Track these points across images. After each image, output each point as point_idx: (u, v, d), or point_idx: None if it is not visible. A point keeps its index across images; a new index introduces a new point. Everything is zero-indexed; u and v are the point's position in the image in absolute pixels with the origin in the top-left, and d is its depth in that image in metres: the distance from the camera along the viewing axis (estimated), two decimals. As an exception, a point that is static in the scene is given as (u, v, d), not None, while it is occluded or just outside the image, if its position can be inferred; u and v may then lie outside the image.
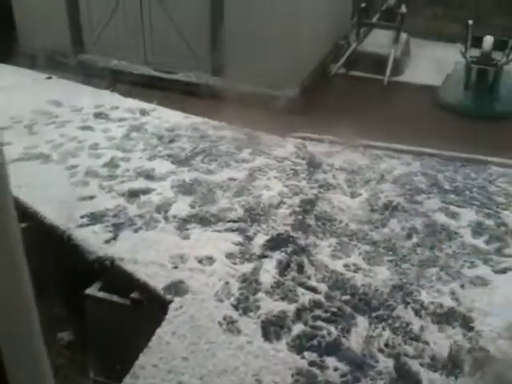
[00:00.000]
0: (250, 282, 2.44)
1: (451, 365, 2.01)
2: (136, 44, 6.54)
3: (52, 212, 2.88)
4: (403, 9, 6.86)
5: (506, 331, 2.15)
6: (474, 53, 6.17)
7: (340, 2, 6.94)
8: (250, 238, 2.77)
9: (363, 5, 6.88)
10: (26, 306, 0.59)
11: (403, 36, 6.93)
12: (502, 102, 5.90)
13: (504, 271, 2.54)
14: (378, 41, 6.85)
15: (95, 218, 2.87)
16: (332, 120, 4.63)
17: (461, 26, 6.93)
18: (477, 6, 7.84)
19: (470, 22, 6.50)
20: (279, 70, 5.37)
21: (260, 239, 2.76)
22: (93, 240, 2.68)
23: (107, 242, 2.68)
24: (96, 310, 2.46)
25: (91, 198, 3.08)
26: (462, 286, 2.43)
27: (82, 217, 2.87)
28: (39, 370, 0.64)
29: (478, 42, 6.18)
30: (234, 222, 2.91)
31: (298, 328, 2.19)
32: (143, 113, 4.35)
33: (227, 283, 2.42)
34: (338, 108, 5.15)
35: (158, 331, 2.12)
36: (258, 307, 2.29)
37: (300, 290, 2.41)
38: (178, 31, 6.23)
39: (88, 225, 2.81)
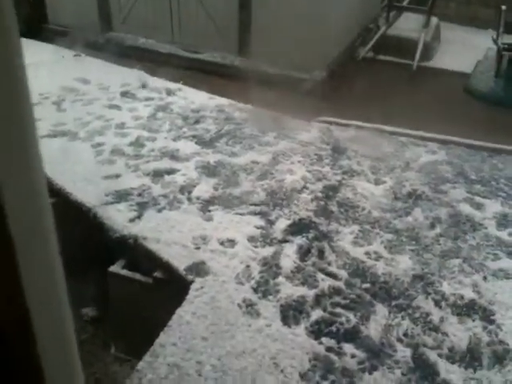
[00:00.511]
0: (270, 266, 2.45)
1: (469, 357, 2.01)
2: (163, 23, 6.53)
3: (78, 189, 2.93)
4: (435, -8, 6.71)
5: (526, 326, 2.14)
6: (507, 39, 6.02)
7: (371, -16, 6.81)
8: (271, 222, 2.78)
9: (394, -13, 6.75)
10: (55, 280, 0.61)
11: (433, 20, 6.79)
12: (533, 91, 5.77)
13: (528, 265, 2.51)
14: (408, 25, 6.72)
15: (120, 196, 2.91)
16: (359, 105, 4.60)
17: (493, 11, 6.77)
18: (512, -9, 7.62)
19: (504, 7, 6.33)
20: (306, 53, 5.32)
21: (282, 224, 2.77)
22: (117, 218, 2.72)
23: (131, 220, 2.71)
24: (119, 288, 2.51)
25: (117, 176, 3.11)
26: (485, 279, 2.41)
27: (107, 195, 2.91)
28: (66, 338, 0.66)
29: (510, 29, 6.02)
30: (257, 205, 2.92)
31: (316, 314, 2.20)
32: (169, 93, 4.36)
33: (248, 266, 2.44)
34: (365, 93, 5.09)
35: (179, 311, 2.15)
36: (278, 291, 2.30)
37: (320, 276, 2.41)
38: (206, 11, 6.20)
39: (113, 203, 2.85)
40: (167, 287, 2.40)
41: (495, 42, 6.01)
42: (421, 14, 6.69)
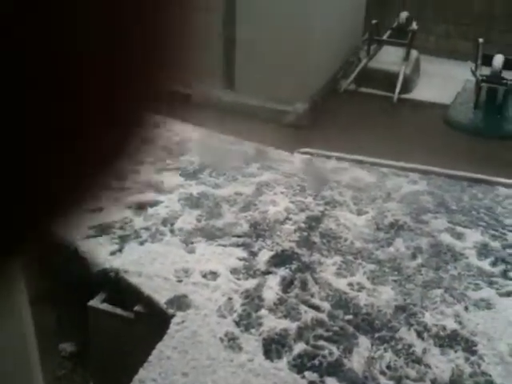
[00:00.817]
0: (252, 298, 2.44)
1: (452, 389, 2.00)
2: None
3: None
4: (414, 26, 6.90)
5: (509, 356, 2.14)
6: (485, 71, 6.17)
7: (351, 18, 6.98)
8: (254, 254, 2.77)
9: (374, 21, 6.92)
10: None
11: (414, 53, 6.96)
12: (511, 122, 5.90)
13: (509, 294, 2.52)
14: (389, 58, 6.87)
15: (102, 229, 2.89)
16: (341, 137, 4.66)
17: (472, 44, 6.95)
18: (488, 25, 7.86)
19: (481, 40, 6.52)
20: (289, 85, 5.40)
21: (264, 255, 2.76)
22: (98, 252, 2.69)
23: (112, 253, 2.70)
24: (99, 322, 2.47)
25: (99, 209, 3.10)
26: (466, 309, 2.42)
27: (89, 228, 2.89)
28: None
29: (488, 61, 6.19)
30: (240, 236, 2.92)
31: (299, 347, 2.18)
32: (154, 125, 4.38)
33: (230, 299, 2.42)
34: (346, 124, 5.17)
35: (159, 345, 2.12)
36: (261, 324, 2.29)
37: (303, 308, 2.41)
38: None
39: (94, 236, 2.83)
40: (148, 321, 2.37)
41: (474, 73, 6.16)
42: (401, 47, 6.86)
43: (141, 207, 3.13)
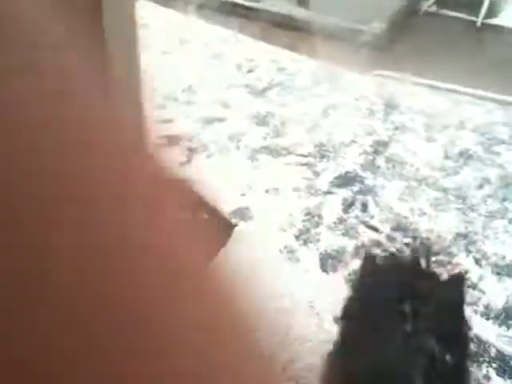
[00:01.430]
0: (313, 216, 2.50)
1: (504, 315, 2.02)
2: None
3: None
4: None
5: None
6: None
7: None
8: (317, 174, 2.81)
9: None
10: None
11: (505, -26, 6.42)
12: None
13: None
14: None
15: (171, 140, 2.99)
16: (417, 60, 4.47)
17: None
18: None
19: None
20: (366, 4, 5.18)
21: (328, 176, 2.79)
22: (167, 163, 2.80)
23: (181, 164, 2.80)
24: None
25: (169, 121, 3.20)
26: (529, 241, 2.39)
27: (159, 138, 3.00)
28: None
29: None
30: (304, 156, 2.95)
31: (355, 263, 2.25)
32: (224, 41, 4.37)
33: (291, 215, 2.50)
34: (424, 48, 4.93)
35: (222, 250, 2.24)
36: (319, 240, 2.36)
37: (362, 229, 2.45)
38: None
39: (163, 146, 2.94)
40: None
41: None
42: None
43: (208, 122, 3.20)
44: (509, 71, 4.58)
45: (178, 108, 3.35)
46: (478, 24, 5.74)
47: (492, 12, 6.00)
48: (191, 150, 2.92)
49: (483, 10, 5.82)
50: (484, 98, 3.67)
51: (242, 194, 2.62)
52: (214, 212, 2.48)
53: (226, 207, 2.48)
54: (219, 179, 2.70)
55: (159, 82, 3.66)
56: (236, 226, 2.37)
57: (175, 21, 4.76)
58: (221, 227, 2.42)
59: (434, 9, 6.04)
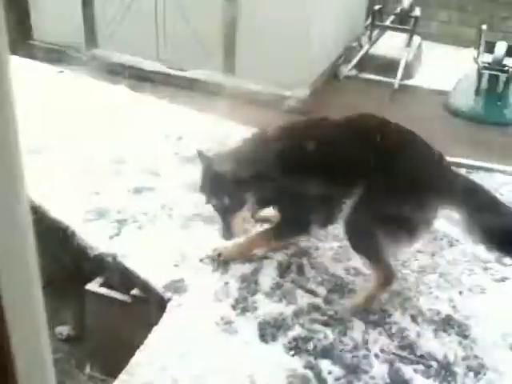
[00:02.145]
0: (249, 283, 2.46)
1: (445, 372, 2.03)
2: (149, 40, 6.58)
3: (56, 206, 2.92)
4: (417, 12, 6.85)
5: (501, 340, 2.16)
6: (487, 58, 6.14)
7: (354, 3, 6.93)
8: (252, 239, 2.78)
9: (377, 7, 6.87)
10: (33, 299, 0.62)
11: (416, 39, 6.91)
12: (511, 109, 5.88)
13: (502, 280, 2.54)
14: (391, 43, 6.84)
15: (100, 213, 2.91)
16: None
17: (474, 31, 6.90)
18: (491, 11, 7.78)
19: (484, 26, 6.46)
20: (290, 70, 5.39)
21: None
22: (97, 236, 2.71)
23: (111, 238, 2.71)
24: (96, 306, 2.50)
25: (97, 193, 3.11)
26: (460, 294, 2.44)
27: (87, 212, 2.91)
28: (42, 358, 0.67)
29: (490, 48, 6.15)
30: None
31: (294, 330, 2.20)
32: (153, 109, 4.38)
33: (227, 283, 2.44)
34: (347, 110, 5.14)
35: (156, 329, 2.15)
36: (256, 308, 2.31)
37: (299, 293, 2.42)
38: (192, 29, 6.26)
39: (92, 220, 2.84)
40: (145, 305, 2.40)
41: (475, 60, 6.12)
42: (403, 33, 6.81)
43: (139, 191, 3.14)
44: (427, 128, 4.83)
45: (106, 179, 3.28)
46: (396, 86, 6.10)
47: (408, 74, 6.39)
48: (121, 222, 2.84)
49: (399, 73, 6.19)
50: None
51: (176, 265, 2.55)
52: (145, 287, 2.39)
53: (159, 281, 2.39)
54: (151, 251, 2.62)
55: (85, 153, 3.58)
56: (170, 300, 2.28)
57: (103, 91, 4.75)
58: (153, 303, 2.33)
59: (353, 73, 6.38)
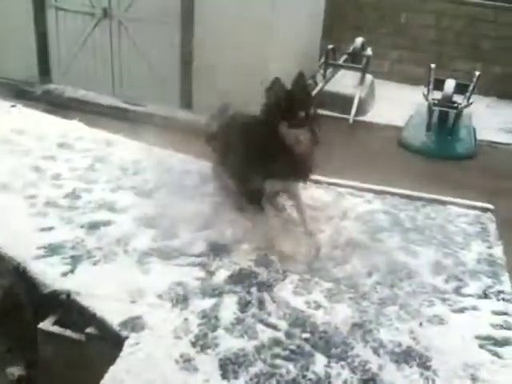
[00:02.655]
0: (209, 319, 2.40)
1: (408, 405, 2.01)
2: (104, 76, 6.55)
3: (8, 243, 2.81)
4: (369, 51, 7.10)
5: (461, 370, 2.16)
6: (436, 95, 6.38)
7: (308, 43, 7.12)
8: (211, 273, 2.74)
9: (330, 46, 7.08)
10: None
11: (368, 77, 7.14)
12: (461, 143, 6.10)
13: (461, 311, 2.57)
14: (345, 81, 7.03)
15: (53, 249, 2.81)
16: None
17: (424, 69, 7.19)
18: (440, 51, 8.15)
19: (433, 65, 6.75)
20: (247, 106, 5.43)
21: (222, 274, 2.73)
22: (49, 273, 2.61)
23: (64, 274, 2.61)
24: (49, 345, 2.38)
25: (50, 229, 3.01)
26: (421, 325, 2.44)
27: (38, 248, 2.80)
28: None
29: (440, 85, 6.41)
30: (196, 256, 2.88)
31: (256, 366, 2.15)
32: (109, 144, 4.32)
33: (186, 319, 2.38)
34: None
35: (112, 368, 2.05)
36: (217, 344, 2.25)
37: (260, 327, 2.38)
38: (148, 64, 6.27)
39: (44, 256, 2.74)
40: (101, 344, 2.30)
41: (426, 97, 6.36)
42: (356, 71, 7.03)
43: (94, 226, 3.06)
44: (382, 162, 4.95)
45: (59, 214, 3.18)
46: (351, 121, 6.25)
47: (362, 110, 6.57)
48: (75, 258, 2.74)
49: (353, 109, 6.35)
50: (362, 189, 3.89)
51: (132, 302, 2.46)
52: (101, 325, 2.30)
53: (115, 318, 2.30)
54: (107, 287, 2.53)
55: (40, 187, 3.48)
56: (127, 338, 2.20)
57: (57, 125, 4.66)
58: (109, 342, 2.23)
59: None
